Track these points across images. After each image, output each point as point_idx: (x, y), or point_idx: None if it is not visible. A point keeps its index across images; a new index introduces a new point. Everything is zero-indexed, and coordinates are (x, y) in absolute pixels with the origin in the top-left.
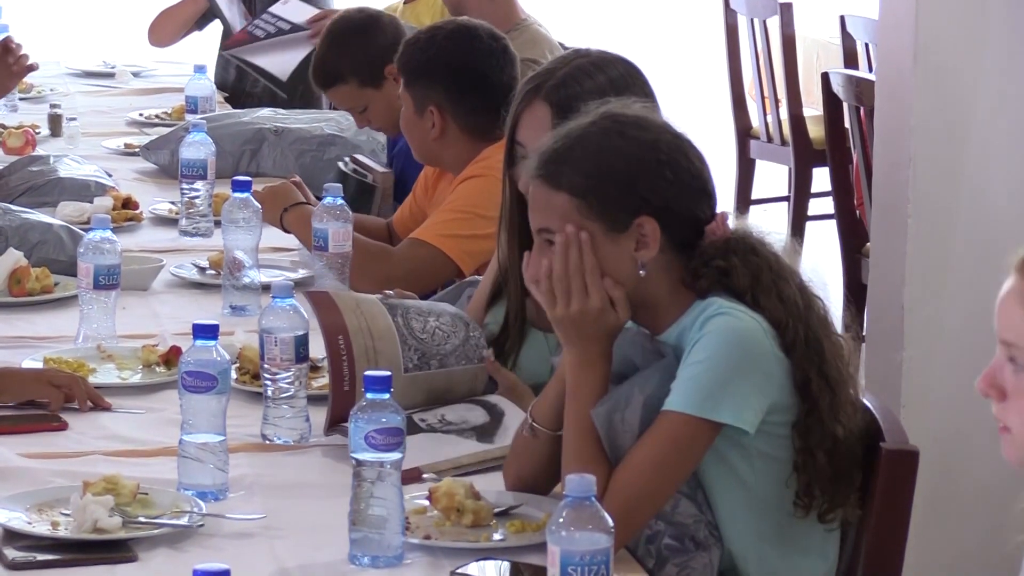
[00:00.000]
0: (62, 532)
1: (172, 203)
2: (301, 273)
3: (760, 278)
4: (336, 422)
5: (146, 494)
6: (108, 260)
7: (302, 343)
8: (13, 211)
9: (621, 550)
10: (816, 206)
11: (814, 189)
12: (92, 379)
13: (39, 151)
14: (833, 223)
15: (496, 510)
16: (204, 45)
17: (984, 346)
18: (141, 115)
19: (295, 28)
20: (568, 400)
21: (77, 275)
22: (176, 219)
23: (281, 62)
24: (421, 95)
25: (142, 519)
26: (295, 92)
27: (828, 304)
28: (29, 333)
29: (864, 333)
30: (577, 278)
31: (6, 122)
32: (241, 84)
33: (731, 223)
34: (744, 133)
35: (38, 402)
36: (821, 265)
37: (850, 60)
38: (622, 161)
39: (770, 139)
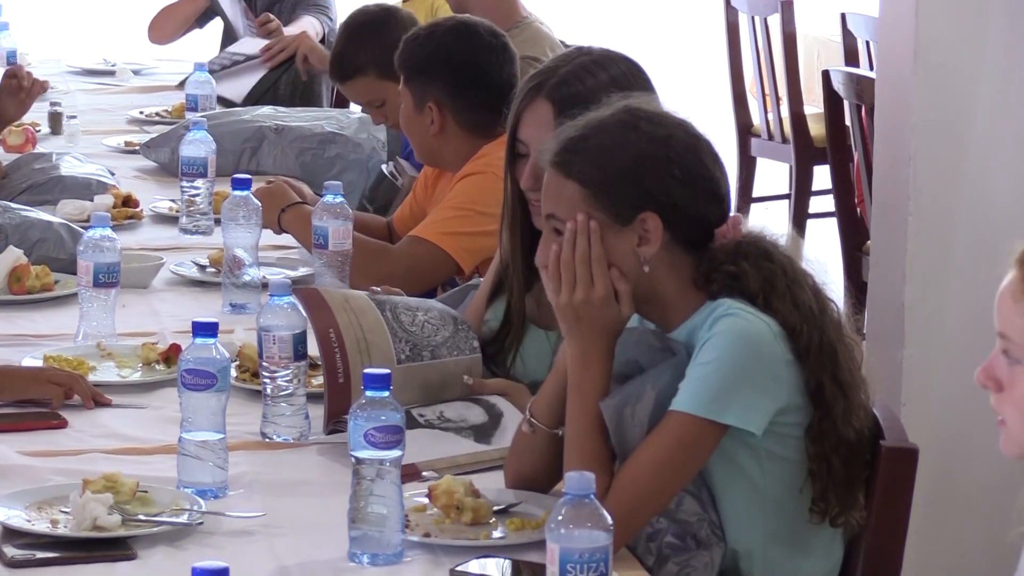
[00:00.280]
0: (61, 530)
1: (172, 201)
2: (301, 271)
3: (775, 284)
4: (333, 416)
5: (145, 492)
6: (108, 258)
7: (300, 341)
8: (13, 209)
9: (621, 548)
10: (817, 204)
11: (815, 187)
12: (92, 377)
13: (39, 149)
14: (834, 221)
15: (496, 508)
16: (204, 43)
17: (984, 344)
18: (141, 113)
19: (249, 58)
20: (570, 397)
21: (77, 273)
22: (176, 217)
23: (235, 87)
24: (420, 91)
25: (141, 517)
26: None
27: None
28: (29, 331)
29: (864, 331)
30: (583, 266)
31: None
32: None
33: (744, 227)
34: (745, 131)
35: (38, 400)
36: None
37: (851, 58)
38: (631, 155)
39: (771, 137)
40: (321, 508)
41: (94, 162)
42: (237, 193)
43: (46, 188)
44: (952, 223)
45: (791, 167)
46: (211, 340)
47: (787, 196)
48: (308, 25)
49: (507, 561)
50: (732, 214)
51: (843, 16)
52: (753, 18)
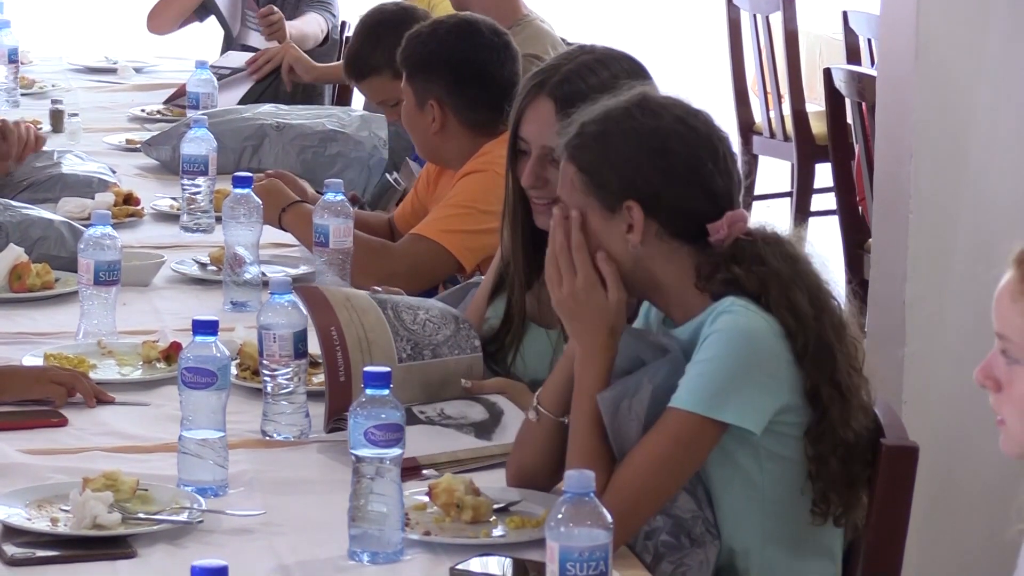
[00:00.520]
0: (61, 528)
1: (173, 199)
2: (302, 269)
3: (769, 288)
4: (334, 414)
5: (146, 490)
6: (109, 256)
7: (301, 339)
8: (14, 207)
9: (620, 546)
10: (818, 202)
11: (816, 185)
12: (93, 375)
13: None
14: (835, 219)
15: (496, 506)
16: (205, 40)
17: (985, 342)
18: (143, 111)
19: (235, 71)
20: (574, 394)
21: (78, 271)
22: (177, 215)
23: (224, 100)
24: (422, 89)
25: (141, 515)
26: None
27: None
28: (29, 329)
29: (865, 329)
30: (564, 255)
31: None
32: None
33: (746, 224)
34: (747, 129)
35: (40, 399)
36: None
37: (852, 56)
38: (622, 143)
39: (772, 135)
40: (321, 506)
41: (95, 160)
42: (238, 191)
43: (47, 186)
44: (953, 221)
45: (793, 165)
46: (211, 338)
47: (789, 194)
48: (311, 22)
49: (507, 559)
50: (733, 211)
51: (845, 14)
52: (755, 16)
